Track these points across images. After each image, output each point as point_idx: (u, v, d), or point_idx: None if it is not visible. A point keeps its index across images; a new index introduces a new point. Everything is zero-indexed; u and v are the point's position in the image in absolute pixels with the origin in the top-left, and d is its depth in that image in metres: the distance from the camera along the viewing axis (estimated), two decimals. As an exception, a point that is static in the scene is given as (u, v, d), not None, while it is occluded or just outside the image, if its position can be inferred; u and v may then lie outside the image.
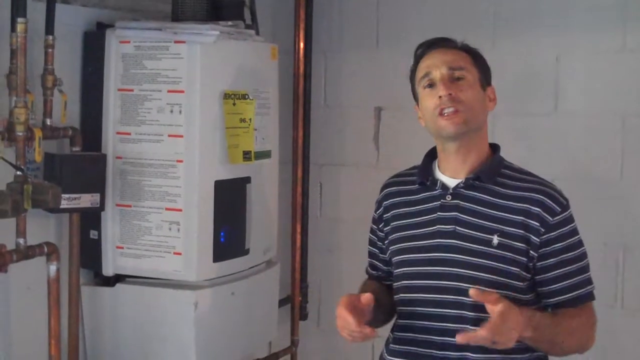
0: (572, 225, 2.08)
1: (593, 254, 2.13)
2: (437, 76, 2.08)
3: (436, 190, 2.14)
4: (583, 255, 2.09)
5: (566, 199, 2.10)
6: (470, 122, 2.07)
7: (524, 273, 2.05)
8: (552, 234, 2.05)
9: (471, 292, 1.93)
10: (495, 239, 2.04)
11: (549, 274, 2.06)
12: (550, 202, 2.05)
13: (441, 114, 2.06)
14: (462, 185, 2.11)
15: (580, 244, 2.09)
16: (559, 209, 2.06)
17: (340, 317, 1.99)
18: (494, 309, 1.86)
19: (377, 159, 3.50)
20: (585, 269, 2.09)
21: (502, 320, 1.86)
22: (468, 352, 2.02)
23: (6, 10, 2.31)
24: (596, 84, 3.10)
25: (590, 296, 2.10)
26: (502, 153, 2.18)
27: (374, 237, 2.30)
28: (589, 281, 2.09)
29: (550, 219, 2.04)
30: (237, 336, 2.81)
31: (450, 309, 2.05)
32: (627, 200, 3.08)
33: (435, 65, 2.09)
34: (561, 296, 2.07)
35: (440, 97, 2.05)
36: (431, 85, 2.09)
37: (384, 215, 2.23)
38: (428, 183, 2.16)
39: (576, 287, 2.07)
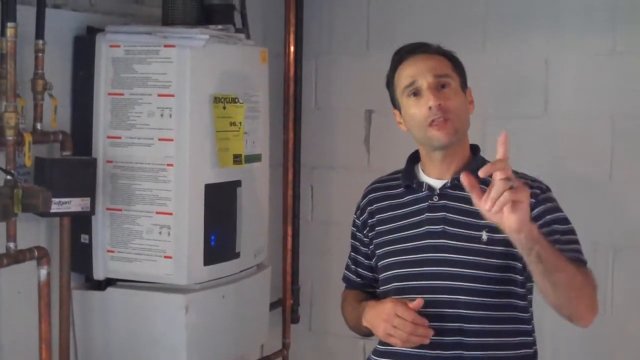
0: (556, 203, 2.08)
1: (582, 255, 2.13)
2: (424, 85, 2.08)
3: (422, 192, 2.15)
4: (572, 231, 2.07)
5: (547, 186, 2.11)
6: (460, 130, 2.09)
7: (518, 264, 2.04)
8: (540, 207, 2.03)
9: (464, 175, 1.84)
10: (484, 235, 2.05)
11: None
12: (532, 186, 2.04)
13: (431, 124, 2.06)
14: (448, 185, 2.12)
15: (567, 220, 2.08)
16: (540, 191, 2.07)
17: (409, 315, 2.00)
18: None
19: (368, 161, 3.50)
20: (576, 241, 2.05)
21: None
22: (461, 350, 2.03)
23: (-4, 14, 2.32)
24: (586, 86, 3.11)
25: (583, 264, 2.03)
26: (492, 155, 2.18)
27: (357, 243, 2.30)
28: (580, 252, 2.04)
29: (534, 199, 2.01)
30: (228, 340, 2.80)
31: (445, 308, 2.06)
32: (616, 201, 3.08)
33: (421, 74, 2.08)
34: None
35: (430, 107, 2.05)
36: (416, 93, 2.09)
37: (369, 221, 2.24)
38: (414, 186, 2.17)
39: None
